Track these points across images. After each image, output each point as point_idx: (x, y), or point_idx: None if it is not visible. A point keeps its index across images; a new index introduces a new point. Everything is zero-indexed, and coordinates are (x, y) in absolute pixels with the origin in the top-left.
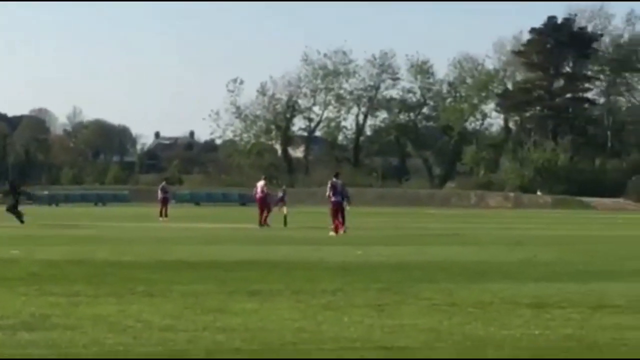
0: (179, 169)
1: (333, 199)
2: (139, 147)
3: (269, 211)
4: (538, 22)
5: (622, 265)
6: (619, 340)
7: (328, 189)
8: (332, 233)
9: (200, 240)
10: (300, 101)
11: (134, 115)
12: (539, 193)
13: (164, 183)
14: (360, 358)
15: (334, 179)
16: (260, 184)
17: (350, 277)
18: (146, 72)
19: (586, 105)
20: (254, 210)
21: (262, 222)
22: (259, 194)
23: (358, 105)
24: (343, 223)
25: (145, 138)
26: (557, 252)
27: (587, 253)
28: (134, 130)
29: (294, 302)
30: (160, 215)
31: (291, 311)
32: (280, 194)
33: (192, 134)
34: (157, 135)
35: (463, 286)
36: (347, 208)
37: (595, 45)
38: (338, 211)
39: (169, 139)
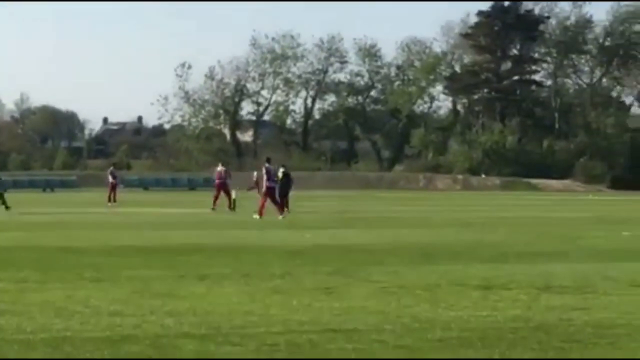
0: (127, 154)
1: (267, 184)
2: (87, 132)
3: (230, 196)
4: (485, 4)
5: (569, 246)
6: (566, 321)
7: (264, 175)
8: (280, 217)
9: (149, 225)
10: (248, 85)
11: (82, 100)
12: (483, 176)
13: (111, 168)
14: (308, 341)
15: (267, 165)
16: (222, 169)
17: (299, 260)
18: (94, 57)
19: (533, 88)
20: (203, 195)
21: (229, 207)
22: (219, 180)
23: (306, 89)
24: (286, 206)
25: (93, 123)
26: (504, 233)
27: (534, 234)
28: (82, 116)
29: (243, 286)
30: (109, 200)
31: (240, 295)
32: (254, 178)
33: (140, 119)
34: (105, 120)
35: (411, 268)
36: (290, 192)
37: (542, 27)
38: (273, 195)
39: (117, 124)
